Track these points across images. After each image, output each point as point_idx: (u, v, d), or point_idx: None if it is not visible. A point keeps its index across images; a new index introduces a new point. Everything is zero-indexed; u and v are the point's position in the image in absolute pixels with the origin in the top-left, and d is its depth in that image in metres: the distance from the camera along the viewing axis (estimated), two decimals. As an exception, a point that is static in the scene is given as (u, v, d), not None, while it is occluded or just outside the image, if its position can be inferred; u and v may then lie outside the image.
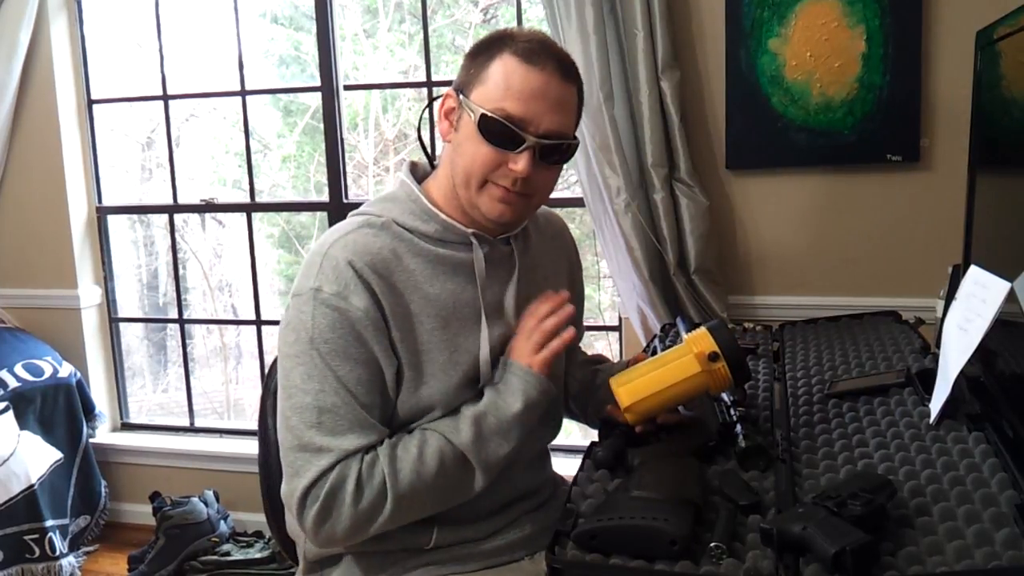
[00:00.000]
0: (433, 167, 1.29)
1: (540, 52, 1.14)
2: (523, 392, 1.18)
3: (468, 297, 1.22)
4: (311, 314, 1.13)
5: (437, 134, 1.25)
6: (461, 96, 1.18)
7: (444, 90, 1.24)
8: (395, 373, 1.17)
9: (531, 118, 1.13)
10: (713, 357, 1.15)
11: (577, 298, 1.47)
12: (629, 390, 1.18)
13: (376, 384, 1.15)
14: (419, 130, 1.34)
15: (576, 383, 1.46)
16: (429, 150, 1.35)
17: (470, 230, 1.21)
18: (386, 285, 1.15)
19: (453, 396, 1.20)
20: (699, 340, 1.17)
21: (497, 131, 1.13)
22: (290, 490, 1.13)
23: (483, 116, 1.13)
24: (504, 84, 1.13)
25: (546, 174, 1.19)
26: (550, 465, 1.43)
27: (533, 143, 1.13)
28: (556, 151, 1.17)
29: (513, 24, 2.50)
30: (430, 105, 1.25)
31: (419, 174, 1.28)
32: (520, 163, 1.13)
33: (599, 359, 1.56)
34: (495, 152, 1.14)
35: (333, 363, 1.12)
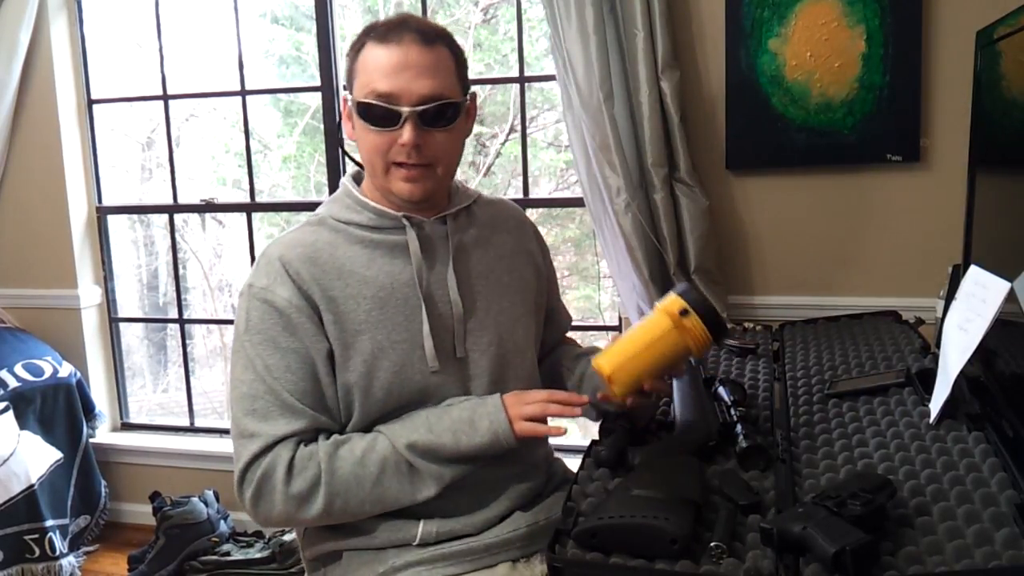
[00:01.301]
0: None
1: (396, 28, 1.19)
2: (490, 438, 1.21)
3: (406, 278, 1.25)
4: (246, 308, 1.21)
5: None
6: (347, 95, 1.24)
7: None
8: (327, 357, 1.21)
9: (399, 91, 1.16)
10: (683, 313, 1.14)
11: (546, 279, 1.48)
12: (608, 358, 1.18)
13: (306, 371, 1.20)
14: (339, 138, 1.39)
15: (573, 376, 1.46)
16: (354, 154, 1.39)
17: (401, 213, 1.25)
18: (316, 274, 1.21)
19: (391, 374, 1.23)
20: (668, 301, 1.17)
21: (374, 113, 1.18)
22: (234, 474, 1.21)
23: (358, 104, 1.20)
24: (371, 69, 1.18)
25: (441, 138, 1.21)
26: (545, 444, 1.43)
27: (408, 112, 1.16)
28: (440, 115, 1.19)
29: (513, 24, 2.50)
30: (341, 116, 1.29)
31: (360, 177, 1.34)
32: (405, 135, 1.17)
33: (594, 351, 1.55)
34: (381, 133, 1.19)
35: (264, 352, 1.19)
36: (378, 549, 1.25)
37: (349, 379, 1.22)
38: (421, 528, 1.24)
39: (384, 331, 1.22)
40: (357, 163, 1.35)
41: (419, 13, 2.58)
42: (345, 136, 1.28)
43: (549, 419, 1.24)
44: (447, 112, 1.20)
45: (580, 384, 1.42)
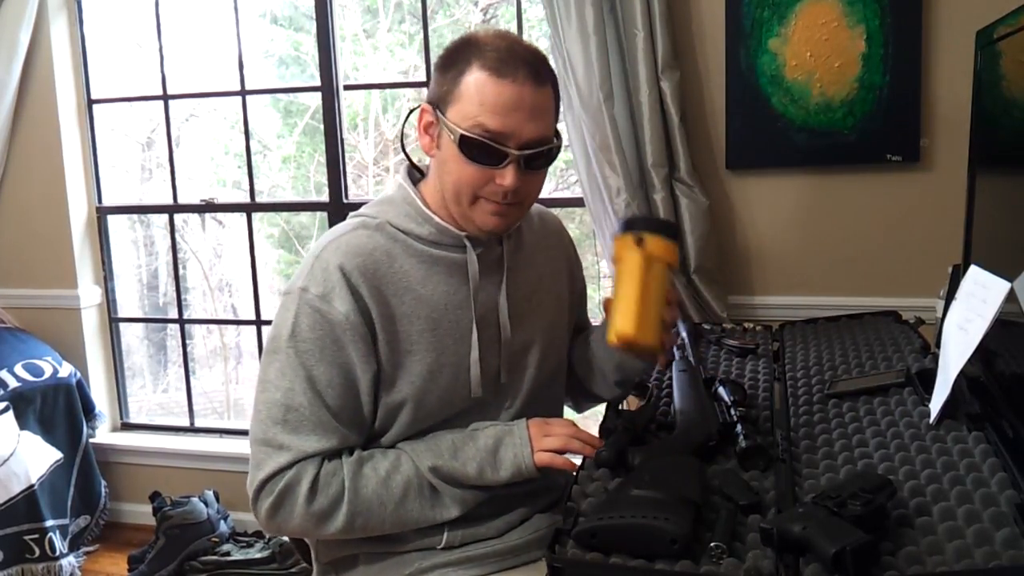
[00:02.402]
0: (422, 173, 1.30)
1: (509, 60, 1.12)
2: (513, 472, 1.20)
3: (461, 299, 1.23)
4: (295, 312, 1.16)
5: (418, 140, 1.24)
6: (438, 112, 1.17)
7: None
8: (373, 377, 1.18)
9: (510, 131, 1.12)
10: (639, 242, 1.16)
11: (579, 294, 1.48)
12: (621, 322, 1.15)
13: (348, 388, 1.17)
14: (402, 140, 1.35)
15: (586, 362, 1.44)
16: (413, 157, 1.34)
17: (463, 233, 1.22)
18: (375, 287, 1.17)
19: (436, 398, 1.21)
20: (623, 240, 1.18)
21: (479, 150, 1.13)
22: (251, 480, 1.17)
23: (463, 137, 1.13)
24: (478, 100, 1.12)
25: (534, 179, 1.20)
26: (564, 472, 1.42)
27: (516, 156, 1.13)
28: (540, 157, 1.17)
29: (513, 24, 2.50)
30: (409, 115, 1.26)
31: (415, 177, 1.29)
32: (507, 178, 1.14)
33: (586, 327, 1.54)
34: (480, 170, 1.14)
35: (308, 363, 1.15)
36: (400, 554, 1.25)
37: (395, 399, 1.20)
38: (446, 533, 1.23)
39: (434, 353, 1.20)
40: (420, 170, 1.30)
41: (419, 13, 2.58)
42: (419, 145, 1.23)
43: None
44: (547, 155, 1.18)
45: (591, 373, 1.41)
